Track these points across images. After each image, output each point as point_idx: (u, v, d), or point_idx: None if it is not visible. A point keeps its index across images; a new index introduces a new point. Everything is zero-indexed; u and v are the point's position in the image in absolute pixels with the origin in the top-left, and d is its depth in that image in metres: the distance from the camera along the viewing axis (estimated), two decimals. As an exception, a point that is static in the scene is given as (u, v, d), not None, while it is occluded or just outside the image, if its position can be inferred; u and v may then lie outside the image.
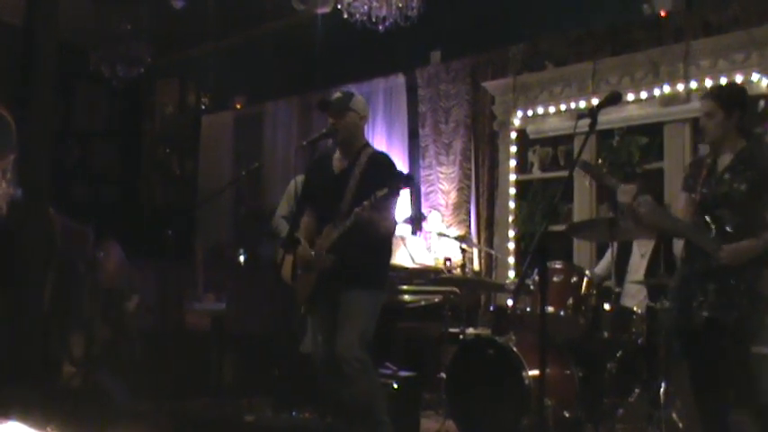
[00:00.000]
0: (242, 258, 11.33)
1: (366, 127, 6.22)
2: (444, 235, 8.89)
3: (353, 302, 5.59)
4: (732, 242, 4.92)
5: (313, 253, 5.71)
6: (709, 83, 7.45)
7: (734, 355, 4.98)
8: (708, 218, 5.06)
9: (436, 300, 8.32)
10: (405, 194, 9.90)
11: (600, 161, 8.13)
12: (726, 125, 5.12)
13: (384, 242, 5.81)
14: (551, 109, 8.62)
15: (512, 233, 8.92)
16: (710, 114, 5.14)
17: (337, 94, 5.90)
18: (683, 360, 5.34)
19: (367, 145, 5.98)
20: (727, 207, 5.02)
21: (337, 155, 5.93)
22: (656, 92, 7.82)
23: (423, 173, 10.18)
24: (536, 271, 6.13)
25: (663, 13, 8.15)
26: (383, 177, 5.50)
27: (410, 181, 5.72)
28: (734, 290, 4.93)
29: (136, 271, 9.29)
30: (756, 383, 5.09)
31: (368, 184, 5.52)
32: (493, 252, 9.13)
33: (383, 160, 5.85)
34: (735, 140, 5.15)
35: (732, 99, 5.18)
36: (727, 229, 4.99)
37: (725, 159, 5.16)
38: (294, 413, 6.86)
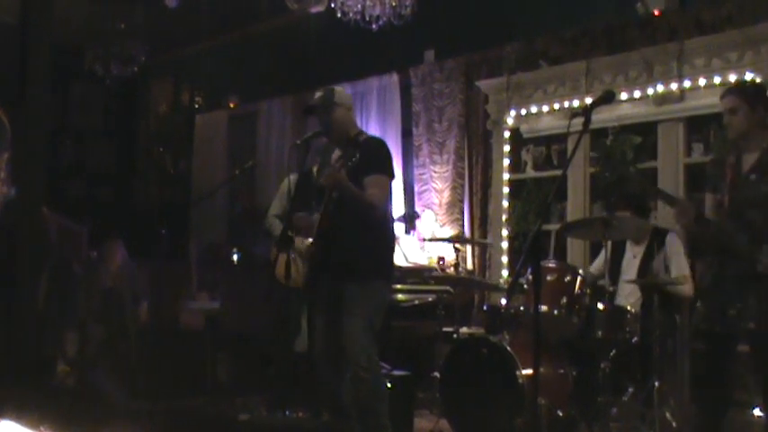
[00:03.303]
0: (236, 257, 11.33)
1: (358, 121, 6.19)
2: (436, 239, 8.93)
3: (355, 298, 5.49)
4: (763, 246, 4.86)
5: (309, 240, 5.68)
6: (702, 82, 7.46)
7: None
8: (738, 221, 4.99)
9: (430, 299, 8.32)
10: (397, 193, 9.94)
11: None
12: (751, 119, 5.06)
13: (377, 228, 5.69)
14: (545, 108, 8.62)
15: (505, 232, 8.92)
16: (734, 110, 5.09)
17: (318, 94, 5.85)
18: (701, 360, 5.32)
19: (361, 132, 5.93)
20: (756, 209, 4.95)
21: (336, 151, 5.90)
22: (650, 91, 7.82)
23: (416, 172, 10.18)
24: (529, 270, 6.12)
25: (657, 12, 8.16)
26: (372, 159, 5.49)
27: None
28: None
29: (141, 273, 9.31)
30: None
31: (357, 167, 5.48)
32: (488, 242, 9.10)
33: (374, 144, 5.78)
34: (759, 138, 5.08)
35: (756, 94, 5.16)
36: (759, 232, 4.91)
37: (749, 158, 5.09)
38: (288, 412, 6.87)
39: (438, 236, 9.43)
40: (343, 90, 5.95)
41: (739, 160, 5.12)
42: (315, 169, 7.34)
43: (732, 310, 4.95)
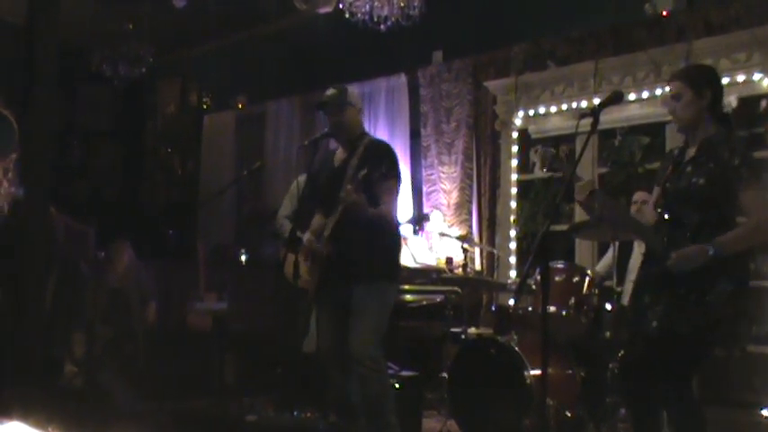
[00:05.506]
0: (244, 258, 11.33)
1: (366, 122, 6.18)
2: (446, 235, 8.88)
3: (363, 299, 5.50)
4: (690, 243, 4.42)
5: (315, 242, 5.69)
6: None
7: (681, 362, 4.50)
8: (667, 216, 4.64)
9: (438, 299, 8.30)
10: (406, 194, 9.93)
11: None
12: (696, 107, 4.60)
13: (386, 231, 5.70)
14: (553, 108, 8.62)
15: (513, 233, 8.92)
16: (677, 96, 4.64)
17: (332, 91, 5.82)
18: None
19: (365, 134, 5.93)
20: (686, 203, 4.55)
21: (339, 150, 5.90)
22: (658, 91, 7.81)
23: (424, 172, 10.17)
24: (538, 271, 6.09)
25: (665, 13, 8.15)
26: (379, 164, 5.47)
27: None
28: (684, 300, 4.42)
29: (148, 274, 9.32)
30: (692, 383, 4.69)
31: (365, 169, 5.47)
32: (495, 251, 9.12)
33: (380, 147, 5.79)
34: (707, 127, 4.64)
35: (701, 78, 4.69)
36: (686, 228, 4.52)
37: (692, 151, 4.70)
38: (296, 413, 6.86)
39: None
40: (354, 91, 5.94)
41: (683, 152, 4.77)
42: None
43: (649, 312, 4.57)
